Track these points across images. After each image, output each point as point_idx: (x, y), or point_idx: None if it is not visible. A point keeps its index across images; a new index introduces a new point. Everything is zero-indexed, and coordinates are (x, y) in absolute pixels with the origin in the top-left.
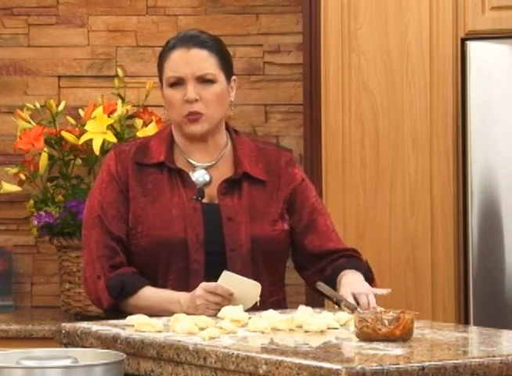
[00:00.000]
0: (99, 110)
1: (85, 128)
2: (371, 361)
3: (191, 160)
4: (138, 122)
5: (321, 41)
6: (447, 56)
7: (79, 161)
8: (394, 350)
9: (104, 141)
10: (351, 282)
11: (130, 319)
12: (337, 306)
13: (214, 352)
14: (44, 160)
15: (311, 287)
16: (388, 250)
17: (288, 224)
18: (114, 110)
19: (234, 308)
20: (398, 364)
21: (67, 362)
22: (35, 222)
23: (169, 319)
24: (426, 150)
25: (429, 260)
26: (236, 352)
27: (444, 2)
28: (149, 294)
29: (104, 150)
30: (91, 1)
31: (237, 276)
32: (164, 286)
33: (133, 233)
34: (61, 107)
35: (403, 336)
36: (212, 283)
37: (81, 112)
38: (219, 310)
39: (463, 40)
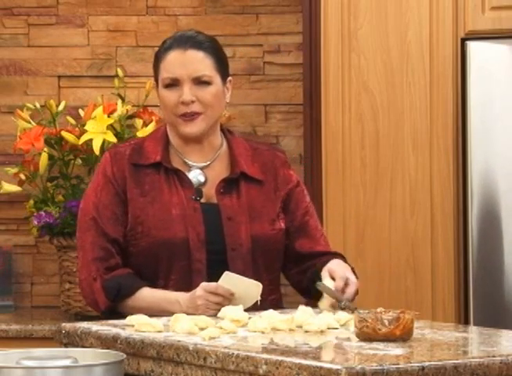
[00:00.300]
0: (99, 110)
1: (85, 128)
2: (371, 361)
3: (187, 161)
4: (138, 122)
5: (321, 41)
6: (447, 56)
7: (79, 161)
8: (394, 350)
9: (104, 141)
10: (331, 263)
11: (130, 319)
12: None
13: (214, 352)
14: (44, 160)
15: (295, 285)
16: (388, 250)
17: (284, 223)
18: (114, 110)
19: (234, 308)
20: (398, 364)
21: (67, 362)
22: (35, 222)
23: (169, 320)
24: (426, 150)
25: (429, 260)
26: (236, 352)
27: (444, 2)
28: (146, 295)
29: (104, 150)
30: (91, 1)
31: (238, 276)
32: (165, 286)
33: (132, 233)
34: (61, 107)
35: (403, 336)
36: (213, 284)
37: (81, 112)
38: (219, 310)
39: (463, 40)
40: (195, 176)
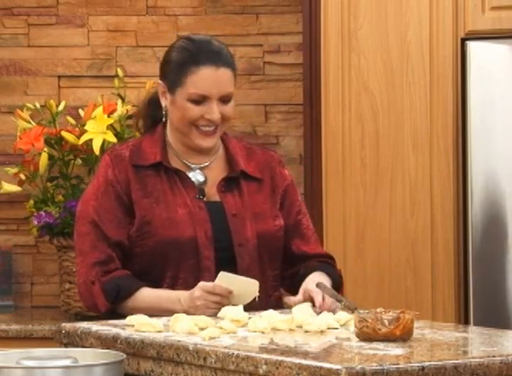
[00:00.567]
0: (99, 110)
1: (85, 128)
2: (371, 361)
3: (185, 162)
4: None
5: (321, 41)
6: (447, 56)
7: (79, 161)
8: (394, 350)
9: (104, 141)
10: (312, 279)
11: (130, 319)
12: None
13: (214, 352)
14: (44, 160)
15: (288, 286)
16: (388, 250)
17: (283, 221)
18: (114, 110)
19: (234, 308)
20: (398, 364)
21: (67, 362)
22: (35, 222)
23: (169, 320)
24: (426, 150)
25: (429, 260)
26: (236, 352)
27: (444, 2)
28: (146, 295)
29: (104, 150)
30: (91, 1)
31: (234, 275)
32: (173, 285)
33: (139, 234)
34: (61, 107)
35: (403, 336)
36: (210, 283)
37: (81, 112)
38: (219, 309)
39: (463, 40)
40: (194, 176)
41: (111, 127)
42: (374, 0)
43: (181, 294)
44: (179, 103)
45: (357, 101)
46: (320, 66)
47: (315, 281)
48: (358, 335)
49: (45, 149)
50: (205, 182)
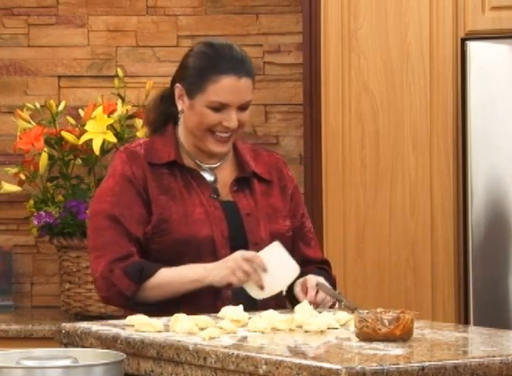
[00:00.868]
0: (99, 110)
1: (85, 128)
2: (371, 361)
3: (197, 162)
4: (138, 122)
5: (321, 41)
6: (447, 56)
7: (79, 161)
8: (394, 350)
9: (104, 141)
10: (314, 276)
11: (130, 320)
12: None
13: (214, 352)
14: (44, 160)
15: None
16: (388, 250)
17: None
18: (114, 110)
19: (234, 308)
20: (398, 364)
21: (67, 362)
22: (35, 222)
23: (169, 320)
24: (426, 150)
25: (429, 260)
26: (236, 352)
27: (444, 2)
28: (170, 270)
29: (104, 150)
30: (91, 1)
31: (285, 252)
32: None
33: (156, 231)
34: (61, 107)
35: (403, 336)
36: (251, 252)
37: (81, 112)
38: (244, 281)
39: (463, 40)
40: (205, 176)
41: (111, 127)
42: (374, 0)
43: (205, 264)
44: (198, 108)
45: (357, 101)
46: (320, 66)
47: (316, 279)
48: (358, 335)
49: (45, 149)
50: (215, 182)
